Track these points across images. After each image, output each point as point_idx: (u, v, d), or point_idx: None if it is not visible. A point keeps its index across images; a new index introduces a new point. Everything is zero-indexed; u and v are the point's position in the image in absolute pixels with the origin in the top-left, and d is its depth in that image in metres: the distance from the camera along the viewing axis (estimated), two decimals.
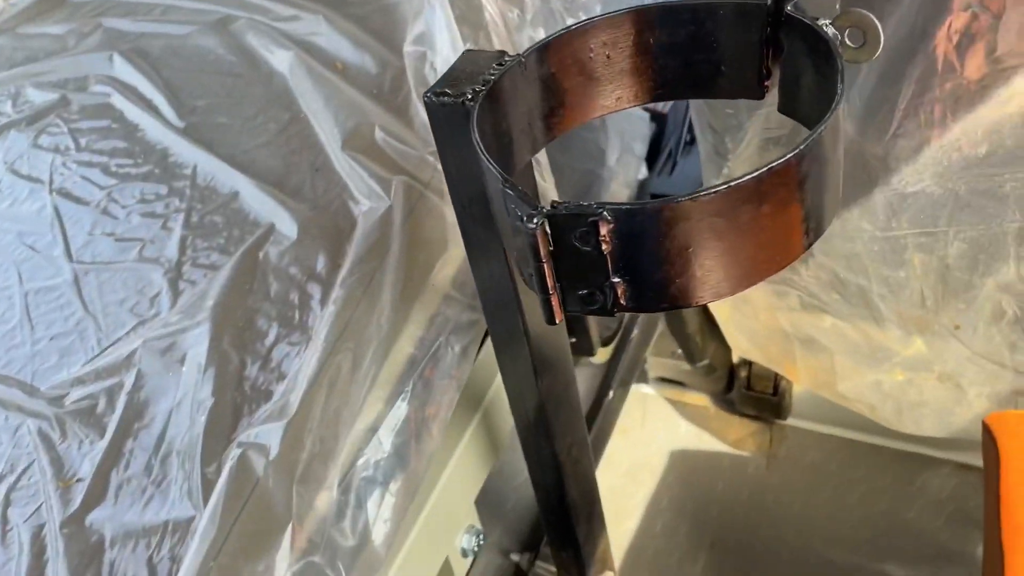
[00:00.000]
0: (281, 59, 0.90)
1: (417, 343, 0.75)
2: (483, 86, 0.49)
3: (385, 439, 0.71)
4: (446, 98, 0.50)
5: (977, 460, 1.43)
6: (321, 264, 0.79)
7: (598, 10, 0.89)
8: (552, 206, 0.40)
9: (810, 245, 0.45)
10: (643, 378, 1.64)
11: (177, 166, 0.86)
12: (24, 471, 0.76)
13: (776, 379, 1.49)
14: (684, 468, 1.62)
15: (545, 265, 0.41)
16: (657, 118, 1.37)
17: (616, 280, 0.42)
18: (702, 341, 1.42)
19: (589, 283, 0.42)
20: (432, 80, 0.79)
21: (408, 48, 0.83)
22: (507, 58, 0.51)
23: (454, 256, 0.79)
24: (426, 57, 0.81)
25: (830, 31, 0.47)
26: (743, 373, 1.52)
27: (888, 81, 0.71)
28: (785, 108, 0.53)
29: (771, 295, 1.11)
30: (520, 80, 0.51)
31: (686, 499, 1.59)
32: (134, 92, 0.94)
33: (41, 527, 0.71)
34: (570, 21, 0.87)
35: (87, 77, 0.98)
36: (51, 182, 0.90)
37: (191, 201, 0.83)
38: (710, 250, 0.41)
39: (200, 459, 0.69)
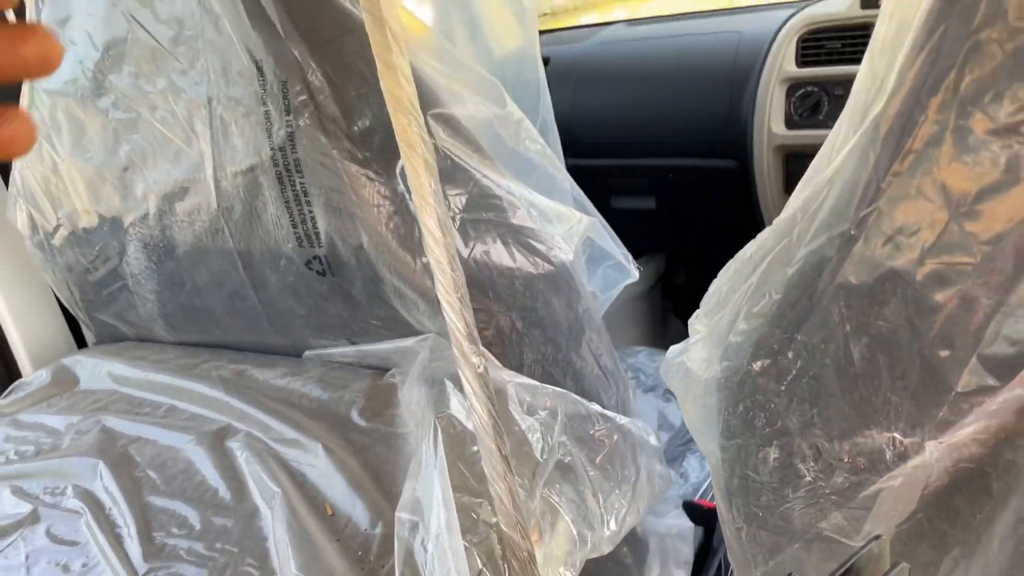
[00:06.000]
0: (268, 495, 0.79)
1: None
2: None
3: None
4: None
5: None
6: None
7: None
8: None
9: None
10: None
11: None
12: None
13: None
14: None
15: None
16: (706, 516, 1.16)
17: None
18: None
19: None
20: (421, 561, 0.67)
21: (400, 514, 0.70)
22: None
23: None
24: (418, 529, 0.68)
25: None
26: None
27: None
28: None
29: None
30: None
31: None
32: (107, 518, 0.83)
33: None
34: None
35: (66, 488, 0.87)
36: None
37: None
38: None
39: None
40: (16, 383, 1.07)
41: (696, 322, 0.61)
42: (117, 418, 0.94)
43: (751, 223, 1.90)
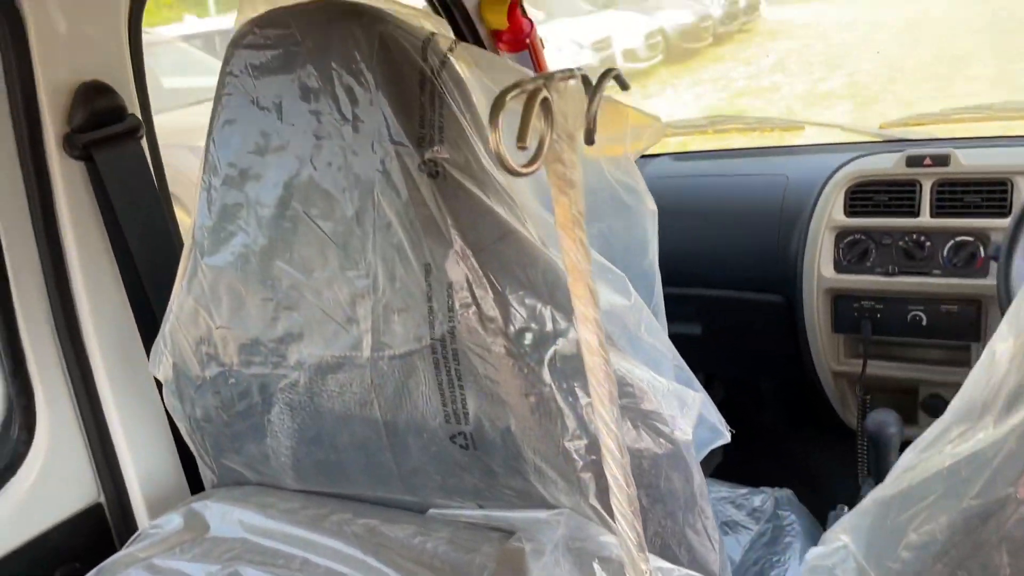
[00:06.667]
0: None
1: None
2: None
3: None
4: None
5: None
6: None
7: None
8: None
9: None
10: None
11: None
12: None
13: None
14: None
15: None
16: None
17: None
18: None
19: None
20: None
21: None
22: None
23: None
24: None
25: None
26: None
27: None
28: None
29: None
30: None
31: None
32: None
33: None
34: None
35: None
36: None
37: None
38: None
39: None
40: (146, 528, 1.12)
41: (841, 532, 0.69)
42: (254, 569, 0.98)
43: (794, 354, 1.99)
